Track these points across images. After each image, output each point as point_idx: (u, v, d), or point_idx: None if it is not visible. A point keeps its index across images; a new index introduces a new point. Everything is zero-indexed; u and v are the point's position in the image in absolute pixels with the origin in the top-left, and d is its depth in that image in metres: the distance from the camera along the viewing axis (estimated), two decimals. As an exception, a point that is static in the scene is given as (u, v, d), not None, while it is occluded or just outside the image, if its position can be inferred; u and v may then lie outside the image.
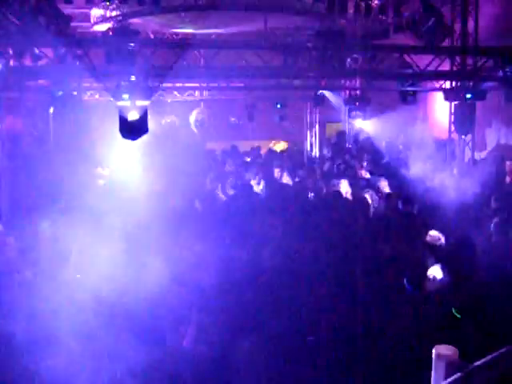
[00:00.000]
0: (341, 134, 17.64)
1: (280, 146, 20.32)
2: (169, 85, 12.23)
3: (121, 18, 11.55)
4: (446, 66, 9.93)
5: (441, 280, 5.84)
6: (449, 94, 9.46)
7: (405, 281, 5.51)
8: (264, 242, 7.10)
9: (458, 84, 9.49)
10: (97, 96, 13.87)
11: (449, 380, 2.34)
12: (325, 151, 16.89)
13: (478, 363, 2.45)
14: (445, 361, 2.40)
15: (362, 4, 11.61)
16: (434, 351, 2.48)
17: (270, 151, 17.01)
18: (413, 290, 5.46)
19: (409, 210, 8.63)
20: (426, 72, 9.15)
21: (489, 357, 2.58)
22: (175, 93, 15.19)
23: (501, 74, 8.99)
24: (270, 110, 16.50)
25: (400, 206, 8.67)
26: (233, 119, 18.56)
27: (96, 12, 11.73)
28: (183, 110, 18.15)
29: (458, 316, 4.86)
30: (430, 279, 5.96)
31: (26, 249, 7.00)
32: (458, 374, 2.34)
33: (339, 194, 9.51)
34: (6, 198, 9.88)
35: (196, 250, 6.76)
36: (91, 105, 13.72)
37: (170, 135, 17.11)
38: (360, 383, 4.31)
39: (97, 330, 4.82)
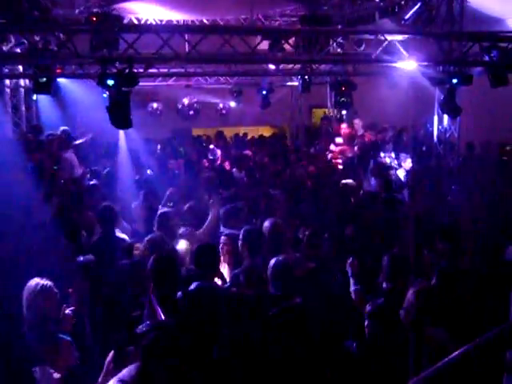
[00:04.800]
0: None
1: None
2: (154, 70, 12.12)
3: (104, 3, 11.43)
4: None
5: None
6: (435, 80, 9.44)
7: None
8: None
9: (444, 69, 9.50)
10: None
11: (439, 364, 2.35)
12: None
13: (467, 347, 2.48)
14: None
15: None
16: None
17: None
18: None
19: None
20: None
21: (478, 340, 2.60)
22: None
23: (487, 58, 9.01)
24: (256, 96, 16.45)
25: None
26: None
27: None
28: (169, 96, 18.06)
29: None
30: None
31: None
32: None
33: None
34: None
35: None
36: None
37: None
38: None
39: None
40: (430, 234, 6.86)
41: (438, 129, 11.65)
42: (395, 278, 5.10)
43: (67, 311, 4.84)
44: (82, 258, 6.16)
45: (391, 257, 5.28)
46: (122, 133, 11.76)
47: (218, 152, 14.97)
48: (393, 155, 12.94)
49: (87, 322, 5.30)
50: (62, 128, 12.17)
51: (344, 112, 14.73)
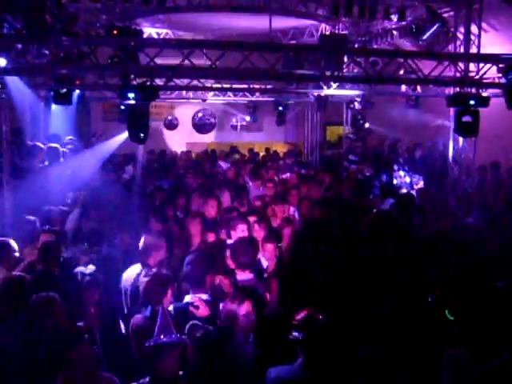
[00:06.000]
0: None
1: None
2: (172, 84, 12.25)
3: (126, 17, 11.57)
4: (448, 72, 9.96)
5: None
6: (451, 100, 9.46)
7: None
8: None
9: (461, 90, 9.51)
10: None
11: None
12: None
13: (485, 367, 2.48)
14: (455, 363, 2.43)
15: (367, 8, 11.66)
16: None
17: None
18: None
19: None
20: (429, 78, 9.16)
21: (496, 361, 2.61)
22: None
23: (504, 81, 9.02)
24: (272, 112, 16.54)
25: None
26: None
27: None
28: (185, 110, 18.23)
29: (451, 318, 4.87)
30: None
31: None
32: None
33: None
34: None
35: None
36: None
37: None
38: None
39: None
40: (442, 253, 6.86)
41: (454, 150, 11.64)
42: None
43: (78, 324, 4.83)
44: (87, 270, 6.13)
45: None
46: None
47: (224, 166, 15.08)
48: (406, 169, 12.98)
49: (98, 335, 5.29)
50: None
51: (367, 125, 14.56)
